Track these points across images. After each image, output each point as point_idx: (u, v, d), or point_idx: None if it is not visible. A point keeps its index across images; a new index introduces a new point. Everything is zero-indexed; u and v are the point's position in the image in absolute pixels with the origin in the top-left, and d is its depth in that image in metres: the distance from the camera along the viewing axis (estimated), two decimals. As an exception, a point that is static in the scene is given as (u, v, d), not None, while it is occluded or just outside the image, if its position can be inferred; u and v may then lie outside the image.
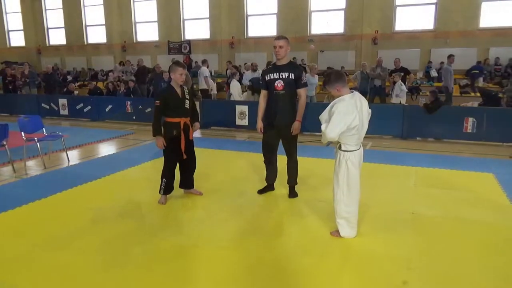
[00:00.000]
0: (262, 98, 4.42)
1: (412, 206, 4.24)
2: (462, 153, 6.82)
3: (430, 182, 5.09)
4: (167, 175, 4.31)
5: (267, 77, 4.29)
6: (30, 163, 6.27)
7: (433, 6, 15.97)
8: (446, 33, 15.72)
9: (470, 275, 2.89)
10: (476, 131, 7.45)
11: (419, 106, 8.07)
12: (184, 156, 4.31)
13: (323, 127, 3.25)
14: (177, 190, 4.55)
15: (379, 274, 2.90)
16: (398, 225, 3.75)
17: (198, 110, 9.80)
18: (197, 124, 4.47)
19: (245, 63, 13.52)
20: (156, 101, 4.16)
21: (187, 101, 4.27)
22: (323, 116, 3.30)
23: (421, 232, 3.61)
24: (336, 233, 3.46)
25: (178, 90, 4.21)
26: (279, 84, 4.19)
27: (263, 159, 4.55)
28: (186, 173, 4.51)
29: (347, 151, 3.27)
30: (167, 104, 4.14)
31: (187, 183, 4.57)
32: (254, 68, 11.51)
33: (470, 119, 7.48)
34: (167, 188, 4.34)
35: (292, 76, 4.18)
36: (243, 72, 12.69)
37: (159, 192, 4.35)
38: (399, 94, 9.58)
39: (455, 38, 15.60)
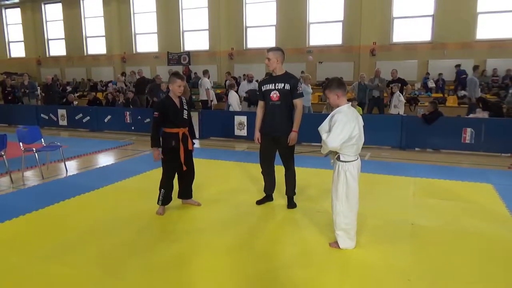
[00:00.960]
0: (259, 109, 4.43)
1: (411, 216, 4.23)
2: (461, 164, 6.83)
3: (429, 193, 5.08)
4: (165, 185, 4.29)
5: (263, 88, 4.33)
6: (28, 173, 6.25)
7: (430, 18, 16.13)
8: (443, 44, 15.85)
9: (470, 286, 2.86)
10: (474, 142, 7.46)
11: (418, 116, 8.09)
12: (184, 168, 4.29)
13: (324, 136, 3.25)
14: (175, 201, 4.53)
15: (379, 286, 2.87)
16: (398, 236, 3.73)
17: (197, 120, 9.85)
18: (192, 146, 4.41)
19: (243, 74, 13.58)
20: (154, 113, 4.15)
21: (185, 112, 4.28)
22: (323, 127, 3.31)
23: (421, 243, 3.59)
24: (335, 244, 3.44)
25: (177, 101, 4.22)
26: (274, 95, 4.22)
27: (261, 169, 4.55)
28: (185, 184, 4.49)
29: (346, 161, 3.27)
30: (165, 115, 4.13)
31: (186, 193, 4.55)
32: (249, 79, 11.53)
33: (469, 130, 7.49)
34: (165, 199, 4.32)
35: (287, 86, 4.20)
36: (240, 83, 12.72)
37: (157, 203, 4.32)
38: (397, 105, 9.62)
39: (452, 49, 15.72)
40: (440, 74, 15.21)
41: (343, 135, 3.15)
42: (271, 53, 4.20)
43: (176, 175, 4.40)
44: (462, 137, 7.55)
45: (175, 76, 4.19)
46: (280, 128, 4.25)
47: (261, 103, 4.42)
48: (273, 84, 4.24)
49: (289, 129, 4.23)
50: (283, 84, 4.21)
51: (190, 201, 4.59)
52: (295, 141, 4.28)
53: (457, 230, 3.87)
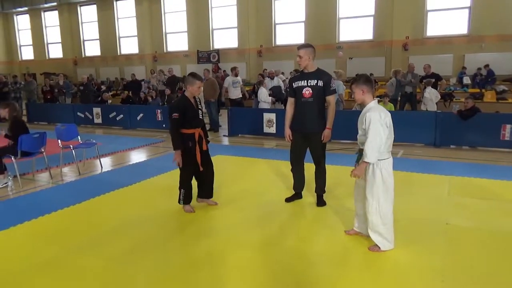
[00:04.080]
0: (290, 106, 4.41)
1: (446, 216, 4.10)
2: (499, 162, 6.54)
3: (465, 192, 4.91)
4: (185, 186, 4.26)
5: (295, 85, 4.29)
6: (66, 169, 6.52)
7: (467, 10, 15.50)
8: (480, 37, 15.21)
9: (509, 289, 2.75)
10: (514, 139, 7.13)
11: (453, 113, 7.81)
12: (201, 168, 4.25)
13: (367, 147, 3.13)
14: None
15: (412, 286, 2.81)
16: (432, 235, 3.63)
17: (226, 118, 9.91)
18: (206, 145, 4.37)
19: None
20: (174, 114, 4.04)
21: (200, 112, 4.27)
22: (363, 137, 3.26)
23: (456, 243, 3.47)
24: (375, 247, 3.31)
25: (192, 101, 4.20)
26: (307, 92, 4.18)
27: (291, 167, 4.53)
28: (205, 184, 4.44)
29: (381, 159, 3.19)
30: (183, 116, 4.08)
31: (207, 193, 4.49)
32: (271, 76, 11.41)
33: (508, 126, 7.16)
34: (186, 198, 4.30)
35: (320, 83, 4.17)
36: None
37: (179, 203, 4.31)
38: (425, 102, 9.36)
39: (491, 42, 15.05)
40: (479, 69, 14.59)
41: (381, 135, 3.09)
42: (303, 51, 4.16)
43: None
44: (501, 134, 7.22)
45: (193, 77, 4.14)
46: (312, 125, 4.21)
47: (291, 100, 4.39)
48: (305, 81, 4.21)
49: (320, 126, 4.20)
50: (316, 81, 4.17)
51: (207, 200, 4.52)
52: (329, 138, 4.24)
53: (494, 231, 3.72)
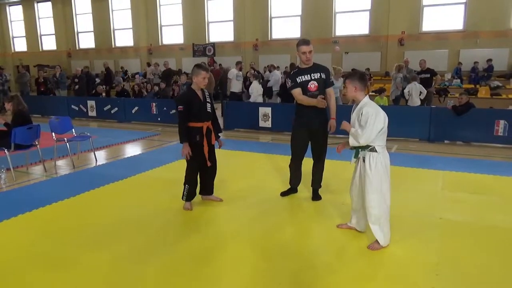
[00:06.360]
0: (301, 94, 4.21)
1: (439, 211, 4.13)
2: (493, 157, 6.60)
3: (459, 186, 4.95)
4: (190, 181, 4.21)
5: (299, 80, 4.23)
6: (60, 162, 6.48)
7: (462, 6, 15.51)
8: (476, 33, 15.23)
9: (500, 284, 2.79)
10: (508, 135, 7.19)
11: (447, 108, 7.85)
12: (208, 163, 4.19)
13: (359, 131, 3.15)
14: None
15: (407, 280, 2.83)
16: (426, 230, 3.66)
17: (221, 111, 9.89)
18: (220, 141, 4.34)
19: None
20: (179, 106, 4.00)
21: (208, 105, 4.16)
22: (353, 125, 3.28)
23: (449, 238, 3.51)
24: (374, 245, 3.30)
25: (199, 94, 4.10)
26: (312, 85, 4.18)
27: (291, 163, 4.50)
28: (207, 179, 4.39)
29: (380, 152, 3.21)
30: (189, 109, 4.01)
31: (208, 189, 4.46)
32: (270, 70, 11.58)
33: (502, 122, 7.22)
34: (190, 195, 4.24)
35: (323, 75, 4.22)
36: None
37: (182, 199, 4.25)
38: (405, 96, 9.38)
39: (486, 38, 15.09)
40: (475, 63, 14.64)
41: (377, 127, 3.12)
42: (311, 46, 4.15)
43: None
44: (494, 130, 7.28)
45: (199, 68, 4.06)
46: (319, 119, 4.22)
47: (299, 90, 4.21)
48: (309, 75, 4.20)
49: (324, 119, 4.23)
50: (319, 74, 4.21)
51: (211, 197, 4.49)
52: (335, 128, 4.26)
53: (487, 225, 3.76)
